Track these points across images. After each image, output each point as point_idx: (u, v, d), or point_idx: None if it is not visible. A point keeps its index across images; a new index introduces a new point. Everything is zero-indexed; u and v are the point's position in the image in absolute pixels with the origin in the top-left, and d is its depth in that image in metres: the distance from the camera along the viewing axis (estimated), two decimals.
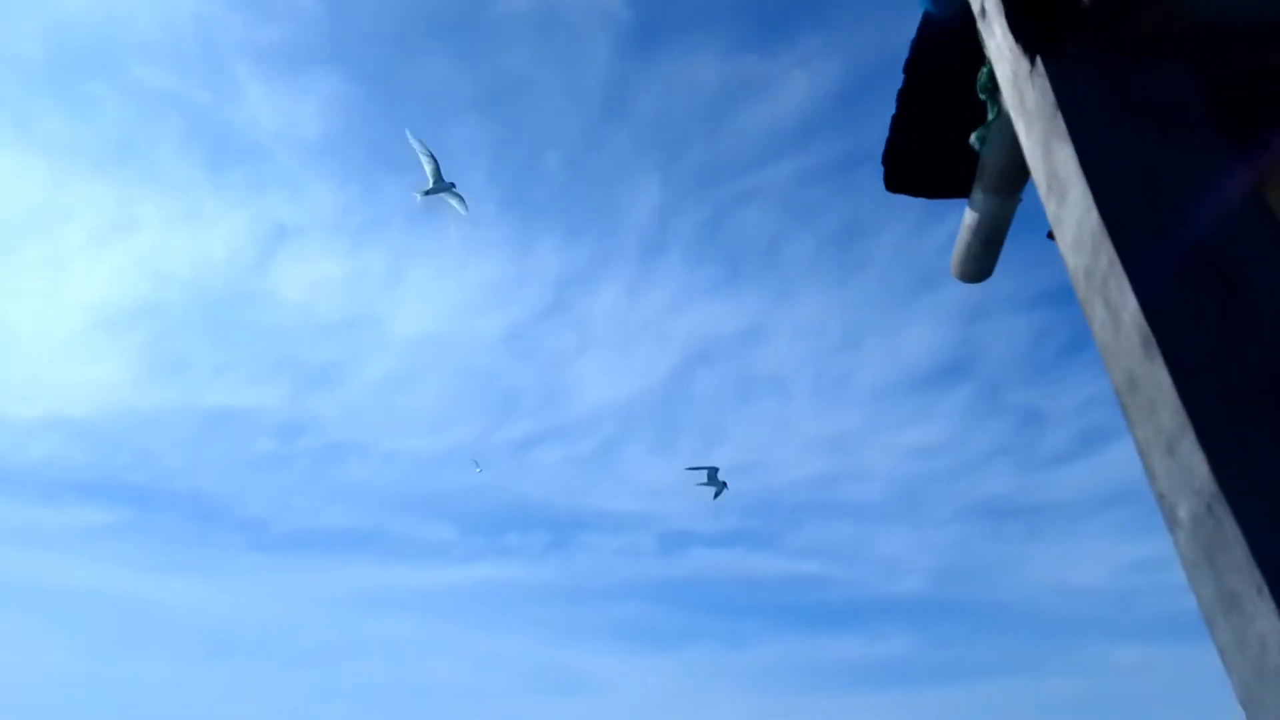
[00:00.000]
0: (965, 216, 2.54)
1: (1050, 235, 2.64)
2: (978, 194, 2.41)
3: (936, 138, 2.39)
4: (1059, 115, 1.43)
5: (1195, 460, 1.16)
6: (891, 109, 2.34)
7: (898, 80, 2.24)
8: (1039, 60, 1.52)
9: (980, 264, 2.56)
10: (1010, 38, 1.59)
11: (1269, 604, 1.07)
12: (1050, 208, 1.47)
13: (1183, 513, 1.21)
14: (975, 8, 1.79)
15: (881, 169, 2.53)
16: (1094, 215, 1.31)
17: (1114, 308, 1.29)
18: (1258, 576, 1.08)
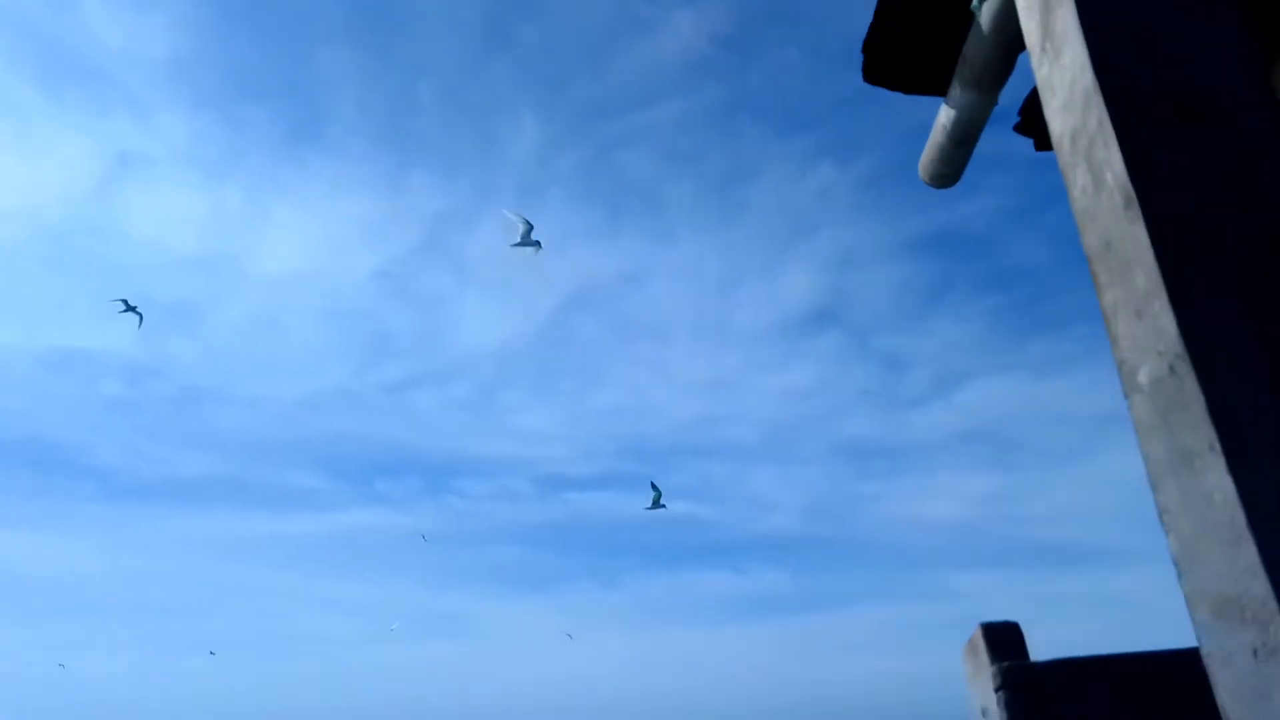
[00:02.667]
0: (940, 115, 2.51)
1: (1017, 127, 2.63)
2: (955, 90, 2.38)
3: (920, 28, 2.33)
4: None
5: (1164, 321, 1.16)
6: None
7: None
8: None
9: (951, 166, 2.54)
10: None
11: (1220, 459, 1.09)
12: (1042, 71, 1.44)
13: (1143, 376, 1.22)
14: None
15: (860, 59, 2.47)
16: (1088, 74, 1.28)
17: (1097, 169, 1.27)
18: (1212, 432, 1.10)
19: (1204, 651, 1.17)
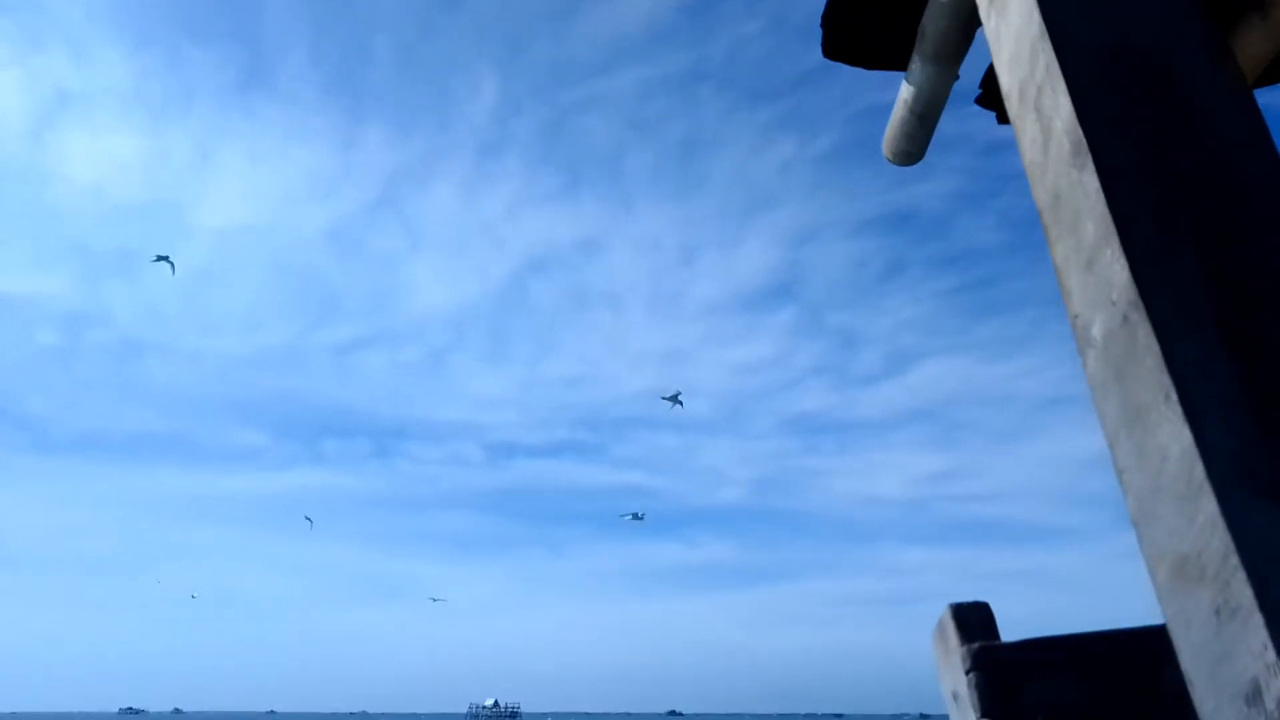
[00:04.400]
0: (901, 91, 2.47)
1: (979, 100, 2.59)
2: (916, 64, 2.34)
3: (878, 1, 2.30)
4: None
5: (1116, 269, 1.12)
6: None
7: None
8: None
9: (914, 142, 2.50)
10: None
11: (1175, 409, 1.04)
12: (989, 25, 1.40)
13: (1096, 330, 1.18)
14: None
15: (820, 33, 2.43)
16: (1035, 21, 1.25)
17: (1046, 118, 1.23)
18: (1166, 382, 1.05)
19: (1166, 616, 1.13)
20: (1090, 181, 1.15)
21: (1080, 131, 1.15)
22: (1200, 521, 1.03)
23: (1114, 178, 1.14)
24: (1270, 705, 0.97)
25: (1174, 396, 1.04)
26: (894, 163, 2.60)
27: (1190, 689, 1.10)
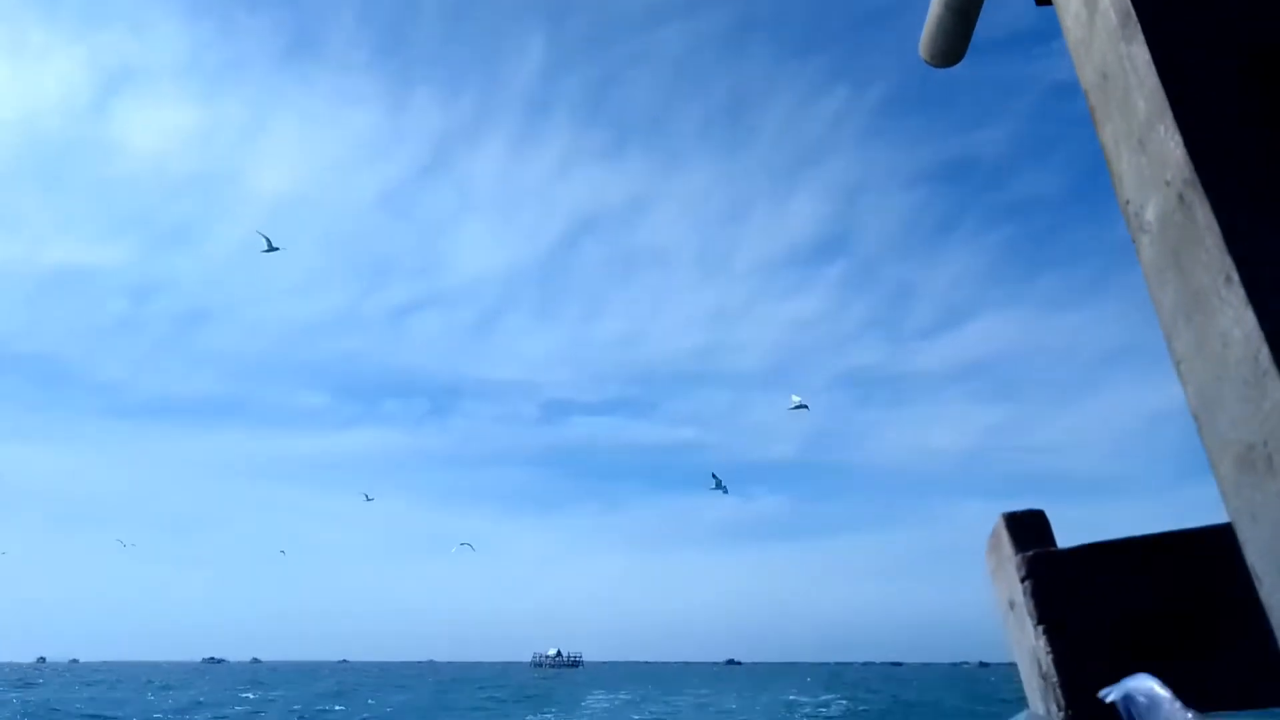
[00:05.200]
0: None
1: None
2: None
3: None
4: None
5: (1170, 146, 1.04)
6: None
7: None
8: None
9: (952, 42, 2.36)
10: None
11: (1238, 291, 0.97)
12: None
13: (1150, 214, 1.11)
14: None
15: None
16: None
17: None
18: (1227, 263, 0.98)
19: (1230, 510, 1.07)
20: (1140, 54, 1.07)
21: (1129, 3, 1.07)
22: (1266, 408, 0.96)
23: (1166, 48, 1.06)
24: None
25: (1236, 278, 0.98)
26: (932, 64, 2.46)
27: (1257, 584, 1.05)
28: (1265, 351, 0.95)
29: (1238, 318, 0.98)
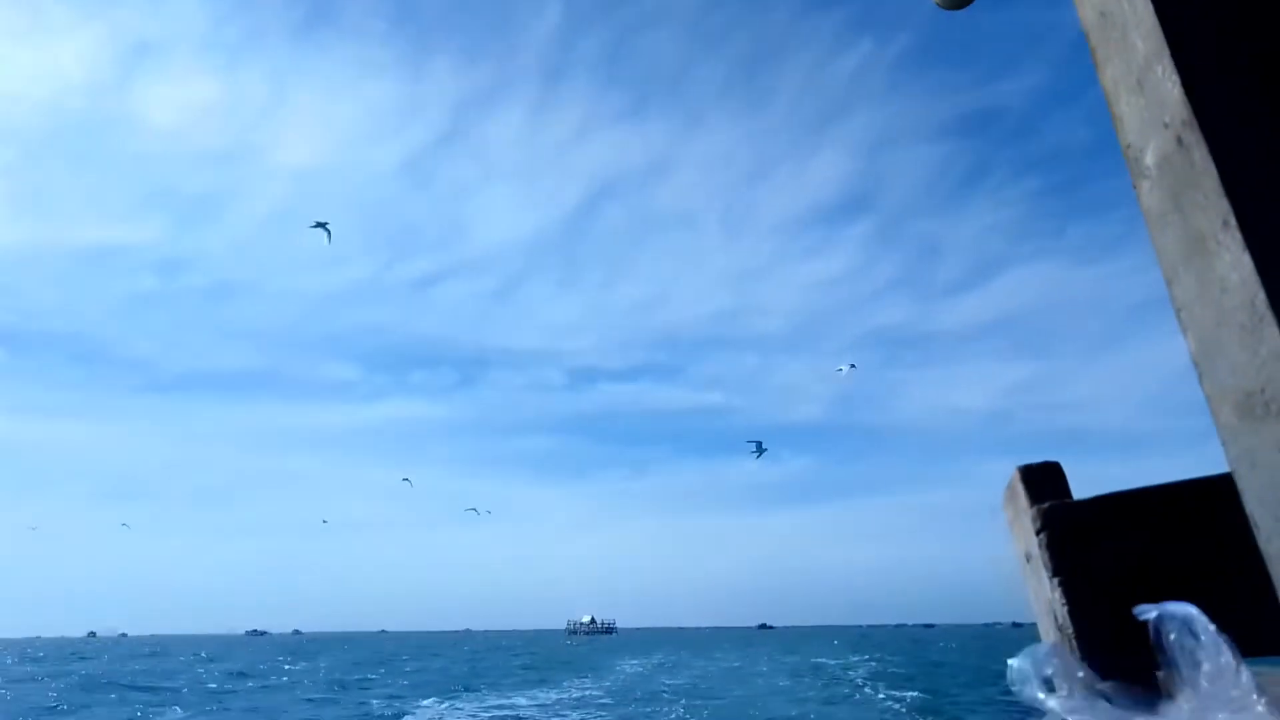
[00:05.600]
0: None
1: None
2: None
3: None
4: None
5: (1168, 86, 1.02)
6: None
7: None
8: None
9: None
10: None
11: (1235, 236, 0.96)
12: None
13: (1150, 157, 1.09)
14: None
15: None
16: None
17: None
18: (1225, 206, 0.96)
19: (1229, 458, 1.06)
20: None
21: None
22: (1264, 354, 0.95)
23: None
24: None
25: (1233, 221, 0.96)
26: (943, 6, 2.40)
27: (1255, 531, 1.04)
28: (1261, 296, 0.93)
29: (1235, 262, 0.96)
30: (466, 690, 32.76)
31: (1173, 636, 1.42)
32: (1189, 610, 1.41)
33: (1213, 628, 1.37)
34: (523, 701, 28.55)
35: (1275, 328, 0.93)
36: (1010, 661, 1.90)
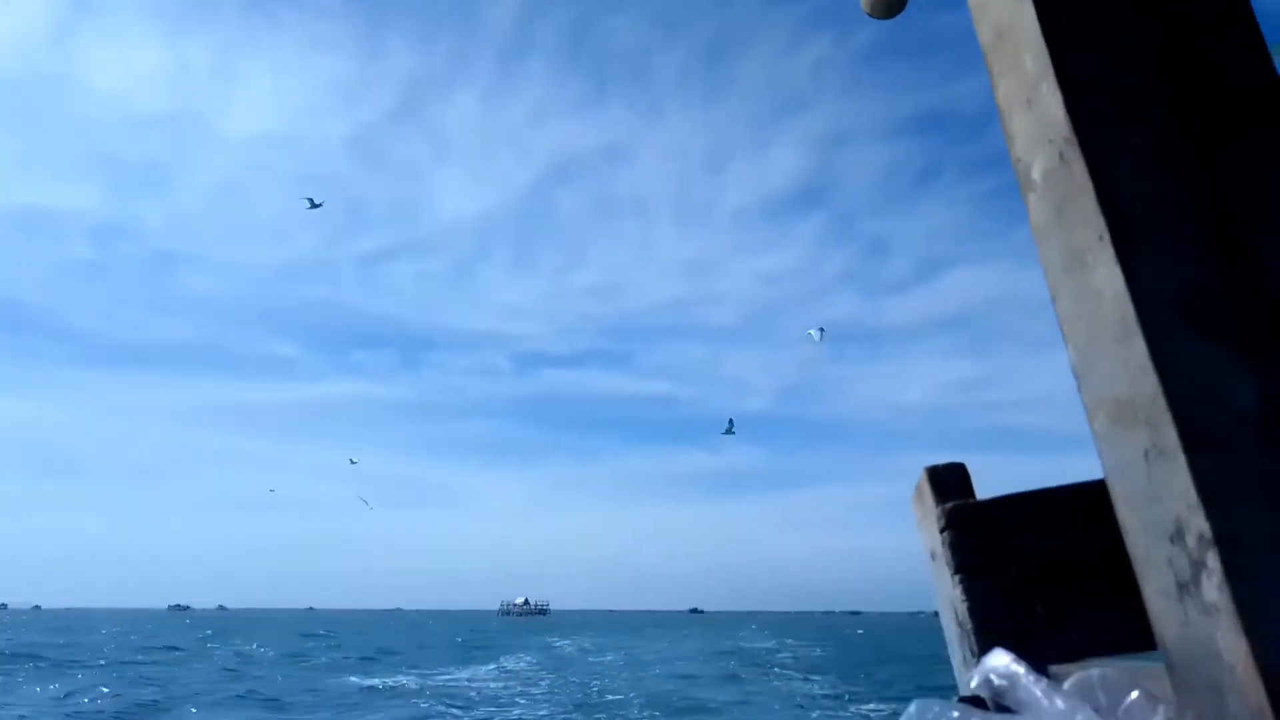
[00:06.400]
0: None
1: None
2: None
3: None
4: None
5: (1053, 104, 1.06)
6: None
7: None
8: None
9: None
10: None
11: (1108, 250, 1.00)
12: None
13: (1036, 172, 1.13)
14: None
15: None
16: None
17: None
18: (1100, 222, 1.01)
19: (1103, 466, 1.11)
20: (1027, 11, 1.08)
21: None
22: (1134, 366, 1.00)
23: (1051, 6, 1.07)
24: (1191, 543, 0.96)
25: (1107, 236, 1.00)
26: (874, 16, 2.44)
27: (1124, 536, 1.09)
28: (1131, 310, 0.98)
29: (1109, 276, 1.00)
30: (408, 666, 32.68)
31: (997, 690, 1.47)
32: (1004, 661, 1.47)
33: (1030, 674, 1.42)
34: (464, 676, 28.92)
35: (1142, 340, 0.98)
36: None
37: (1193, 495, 0.95)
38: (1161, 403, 0.98)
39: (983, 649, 2.05)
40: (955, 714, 1.66)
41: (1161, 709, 1.26)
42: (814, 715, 19.79)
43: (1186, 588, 0.98)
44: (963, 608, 2.11)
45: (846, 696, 23.37)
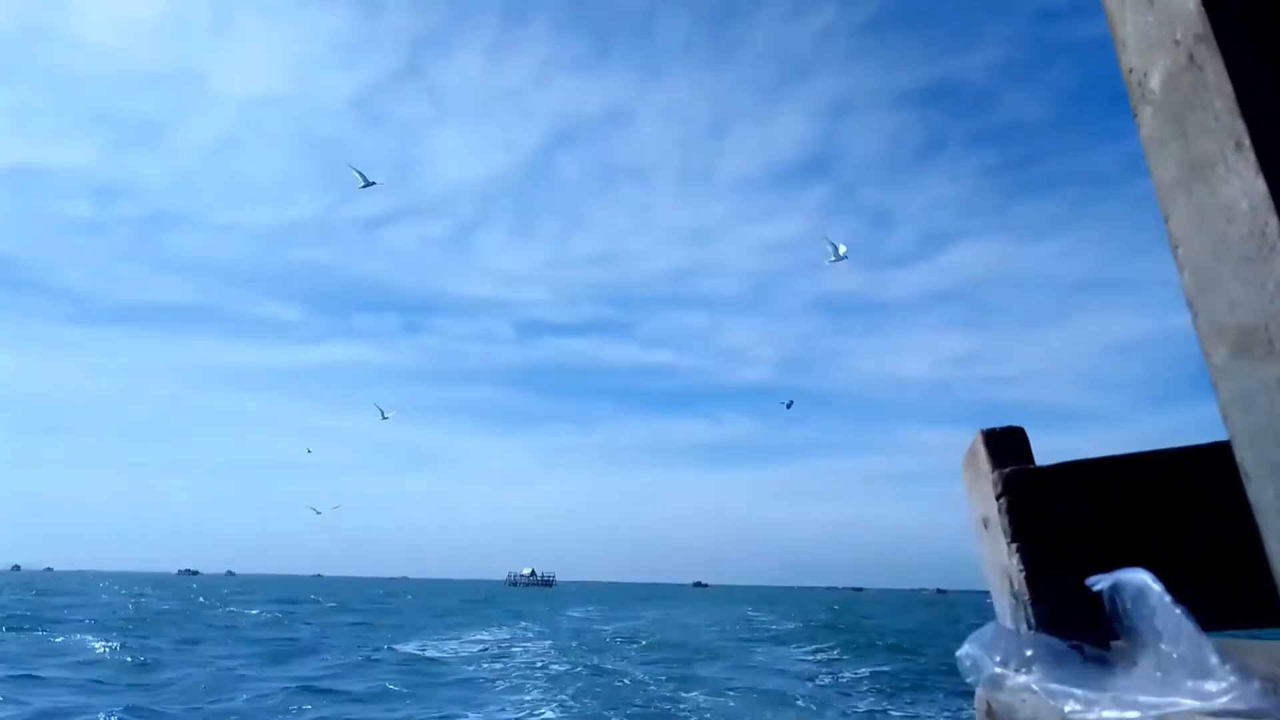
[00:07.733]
0: None
1: None
2: None
3: None
4: None
5: None
6: None
7: None
8: None
9: None
10: None
11: (1248, 157, 0.89)
12: None
13: (1155, 80, 1.02)
14: None
15: None
16: None
17: None
18: (1239, 127, 0.90)
19: (1221, 401, 1.01)
20: None
21: None
22: (1272, 286, 0.89)
23: None
24: None
25: (1247, 142, 0.89)
26: None
27: (1244, 480, 0.99)
28: (1274, 223, 0.88)
29: (1246, 187, 0.90)
30: (429, 631, 33.20)
31: (1128, 605, 1.39)
32: (1143, 578, 1.39)
33: (1168, 596, 1.35)
34: (485, 637, 29.53)
35: None
36: (959, 652, 1.87)
37: None
38: None
39: (1040, 622, 1.96)
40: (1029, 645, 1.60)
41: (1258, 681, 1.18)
42: (822, 675, 19.98)
43: None
44: (1019, 578, 2.01)
45: (847, 659, 23.64)
